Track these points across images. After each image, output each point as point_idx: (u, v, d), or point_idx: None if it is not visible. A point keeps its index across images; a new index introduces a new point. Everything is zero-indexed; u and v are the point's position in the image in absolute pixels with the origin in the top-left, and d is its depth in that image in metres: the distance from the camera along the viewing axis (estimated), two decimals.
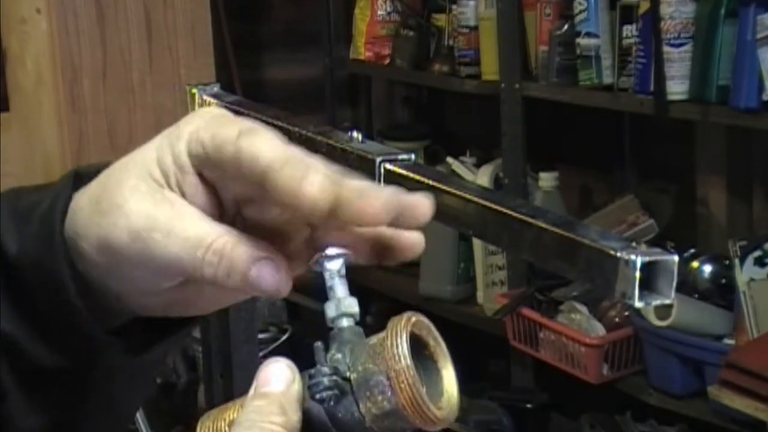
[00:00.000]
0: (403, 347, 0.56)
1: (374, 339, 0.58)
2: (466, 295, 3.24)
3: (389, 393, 0.56)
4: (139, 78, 2.89)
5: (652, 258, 0.61)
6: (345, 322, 0.60)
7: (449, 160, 3.26)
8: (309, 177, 0.58)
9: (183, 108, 1.29)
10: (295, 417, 0.56)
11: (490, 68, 3.06)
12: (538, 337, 2.86)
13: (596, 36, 2.76)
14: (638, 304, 0.60)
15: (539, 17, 2.95)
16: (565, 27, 2.85)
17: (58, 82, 2.79)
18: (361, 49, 3.51)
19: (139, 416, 2.41)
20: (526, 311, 2.89)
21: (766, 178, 2.85)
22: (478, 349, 3.31)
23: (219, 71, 3.06)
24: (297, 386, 0.57)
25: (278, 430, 0.56)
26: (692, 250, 2.65)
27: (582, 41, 2.78)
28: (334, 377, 0.57)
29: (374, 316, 3.46)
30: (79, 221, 0.64)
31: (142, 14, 2.88)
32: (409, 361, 0.55)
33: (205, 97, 1.24)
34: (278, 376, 0.57)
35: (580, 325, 2.77)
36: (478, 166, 3.21)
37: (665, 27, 2.55)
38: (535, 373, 3.05)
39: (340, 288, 0.61)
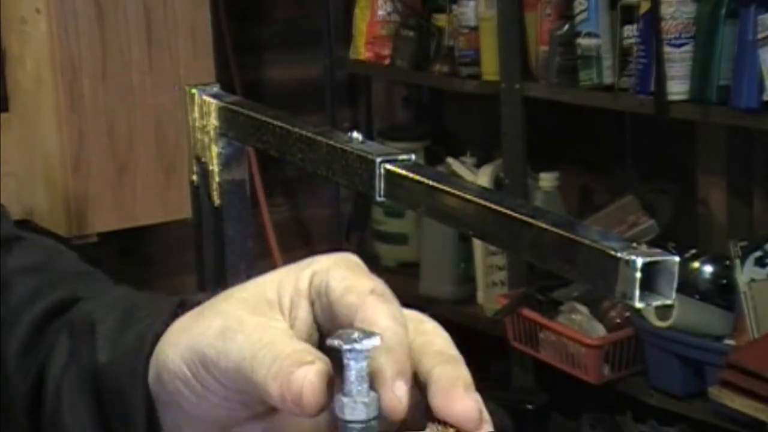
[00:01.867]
0: None
1: None
2: (466, 296, 3.24)
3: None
4: (139, 78, 2.88)
5: (653, 258, 0.61)
6: None
7: (449, 160, 3.26)
8: (396, 384, 0.57)
9: (183, 108, 1.29)
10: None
11: (490, 68, 3.06)
12: (539, 337, 2.86)
13: (597, 36, 2.76)
14: (639, 304, 0.60)
15: (539, 17, 2.95)
16: (566, 27, 2.85)
17: (58, 82, 2.79)
18: (361, 49, 3.51)
19: None
20: (527, 312, 2.89)
21: (766, 178, 2.85)
22: (478, 349, 3.31)
23: (219, 71, 3.06)
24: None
25: None
26: (693, 251, 2.65)
27: (582, 41, 2.78)
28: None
29: None
30: (175, 330, 0.63)
31: (142, 14, 2.88)
32: None
33: (205, 97, 1.24)
34: None
35: (581, 325, 2.77)
36: (478, 166, 3.21)
37: (666, 27, 2.55)
38: (536, 374, 3.05)
39: None
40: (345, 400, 0.56)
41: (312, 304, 0.61)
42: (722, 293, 2.57)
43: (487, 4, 3.05)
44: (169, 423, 0.64)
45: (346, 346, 0.55)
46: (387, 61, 3.47)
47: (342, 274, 0.60)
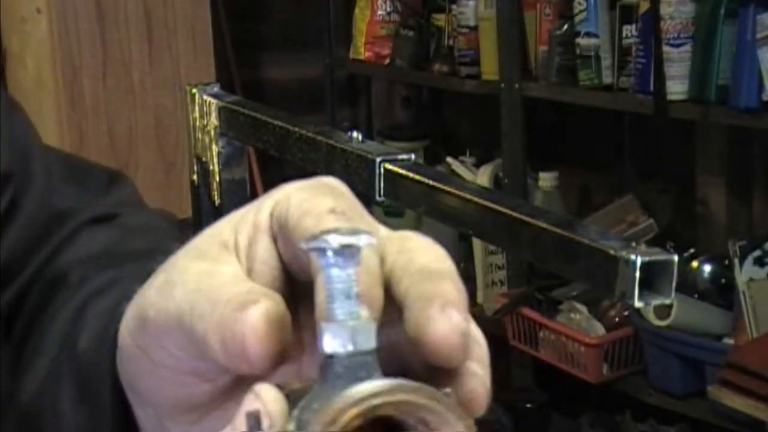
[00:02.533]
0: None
1: None
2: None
3: None
4: (139, 78, 2.89)
5: (652, 258, 0.61)
6: None
7: (449, 160, 3.26)
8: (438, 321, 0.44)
9: (183, 108, 1.29)
10: None
11: (489, 68, 3.06)
12: (538, 336, 2.86)
13: (596, 36, 2.76)
14: (638, 303, 0.60)
15: (539, 17, 2.95)
16: (565, 27, 2.85)
17: (58, 82, 2.80)
18: (361, 49, 3.51)
19: None
20: (526, 311, 2.89)
21: (766, 178, 2.85)
22: None
23: (219, 71, 3.06)
24: None
25: None
26: (692, 250, 2.66)
27: (582, 41, 2.78)
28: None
29: None
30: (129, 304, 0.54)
31: (142, 14, 2.88)
32: None
33: (205, 97, 1.24)
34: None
35: (580, 324, 2.77)
36: (478, 166, 3.21)
37: (665, 27, 2.56)
38: (535, 373, 3.05)
39: None
40: (324, 325, 0.42)
41: (274, 239, 0.49)
42: (721, 293, 2.57)
43: (486, 4, 3.06)
44: (143, 420, 0.56)
45: (316, 244, 0.42)
46: (387, 61, 3.47)
47: (303, 197, 0.48)
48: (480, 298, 3.19)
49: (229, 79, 3.37)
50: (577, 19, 2.79)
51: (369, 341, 0.42)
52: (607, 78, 2.76)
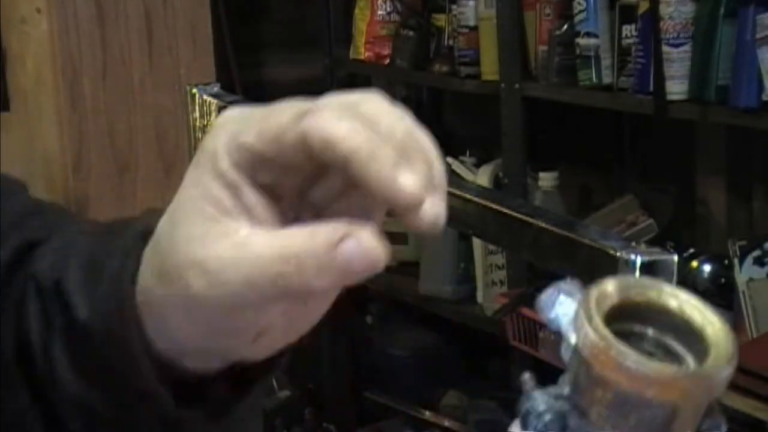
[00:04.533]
0: (586, 316, 0.47)
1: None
2: (466, 295, 3.24)
3: (599, 377, 0.46)
4: (139, 78, 2.89)
5: (651, 257, 0.61)
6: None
7: (449, 160, 3.26)
8: (402, 177, 0.53)
9: (183, 108, 1.29)
10: None
11: (490, 68, 3.06)
12: (538, 336, 2.86)
13: (596, 36, 2.76)
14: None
15: (539, 17, 2.95)
16: (565, 27, 2.85)
17: (58, 82, 2.80)
18: (361, 49, 3.51)
19: None
20: (526, 311, 2.89)
21: (766, 178, 2.85)
22: (478, 349, 3.31)
23: (219, 71, 3.06)
24: None
25: None
26: (692, 250, 2.65)
27: (582, 41, 2.78)
28: (544, 400, 0.49)
29: (374, 316, 3.46)
30: (154, 295, 0.59)
31: (142, 14, 2.88)
32: (595, 325, 0.46)
33: (205, 97, 1.24)
34: None
35: None
36: (478, 166, 3.21)
37: (665, 27, 2.56)
38: (536, 373, 3.05)
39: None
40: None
41: (251, 178, 0.56)
42: (721, 292, 2.57)
43: (486, 4, 3.06)
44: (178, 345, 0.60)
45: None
46: (387, 61, 3.47)
47: (255, 132, 0.56)
48: (480, 298, 3.19)
49: (229, 79, 3.37)
50: (577, 19, 2.79)
51: None
52: (607, 78, 2.76)
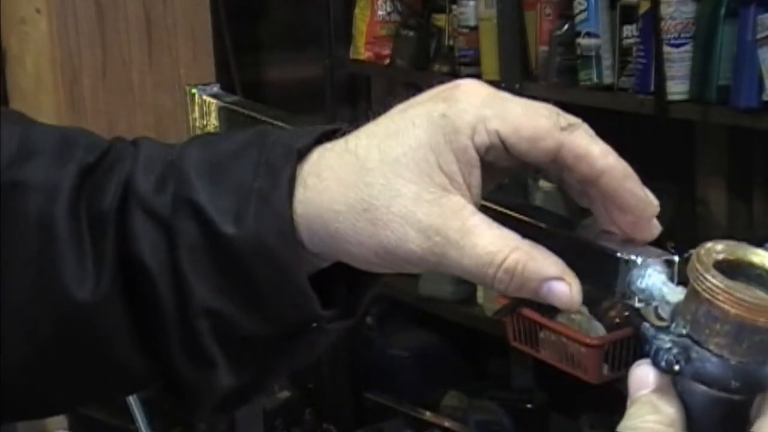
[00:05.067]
0: (703, 268, 0.57)
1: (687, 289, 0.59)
2: (466, 295, 3.24)
3: (718, 313, 0.55)
4: (139, 78, 2.89)
5: (652, 257, 0.61)
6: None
7: None
8: (650, 200, 0.65)
9: (183, 108, 1.29)
10: (670, 410, 0.57)
11: (490, 68, 3.06)
12: (539, 337, 2.86)
13: (596, 36, 2.76)
14: (637, 304, 0.61)
15: (539, 17, 2.95)
16: (565, 27, 2.85)
17: (58, 82, 2.80)
18: (361, 49, 3.51)
19: (139, 416, 2.41)
20: (526, 311, 2.89)
21: (766, 178, 2.85)
22: (478, 349, 3.31)
23: (219, 71, 3.06)
24: (665, 380, 0.57)
25: (656, 428, 0.56)
26: (692, 251, 2.65)
27: (582, 41, 2.78)
28: (669, 339, 0.57)
29: (374, 316, 3.46)
30: (341, 226, 0.62)
31: (142, 14, 2.88)
32: (713, 273, 0.56)
33: (205, 97, 1.24)
34: (642, 379, 0.59)
35: (580, 325, 2.77)
36: None
37: (665, 27, 2.55)
38: (535, 373, 3.05)
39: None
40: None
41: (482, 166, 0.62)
42: None
43: (486, 4, 3.05)
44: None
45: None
46: (387, 61, 3.47)
47: (514, 126, 0.61)
48: (480, 299, 3.19)
49: (229, 79, 3.36)
50: (577, 19, 2.79)
51: None
52: (608, 78, 2.76)
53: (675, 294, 0.59)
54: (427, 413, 3.16)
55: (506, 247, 0.61)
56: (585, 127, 0.66)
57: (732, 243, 0.59)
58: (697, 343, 0.56)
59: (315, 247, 0.64)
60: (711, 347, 0.56)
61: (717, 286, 0.55)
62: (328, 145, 0.65)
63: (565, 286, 0.61)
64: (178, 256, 0.65)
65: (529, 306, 2.91)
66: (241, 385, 0.68)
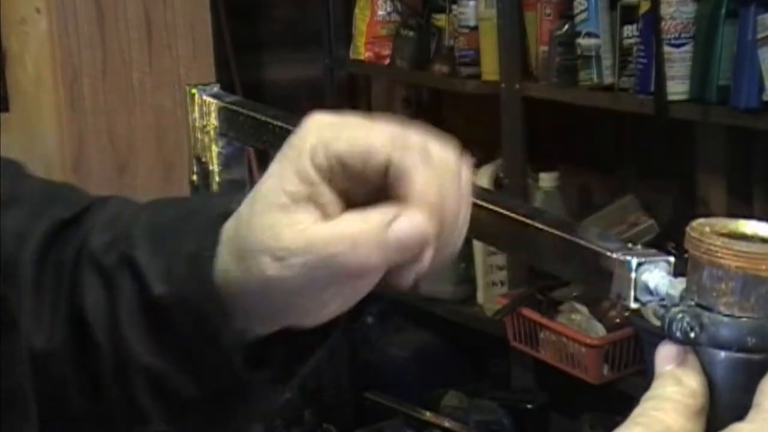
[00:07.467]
0: (698, 234, 0.58)
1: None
2: (466, 295, 3.24)
3: (720, 271, 0.56)
4: (139, 78, 2.89)
5: (647, 259, 0.61)
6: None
7: None
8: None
9: (183, 108, 1.29)
10: (692, 382, 0.57)
11: (490, 68, 3.06)
12: (539, 337, 2.86)
13: (596, 36, 2.76)
14: (633, 305, 0.61)
15: (539, 17, 2.95)
16: (566, 27, 2.85)
17: (58, 82, 2.80)
18: (361, 49, 3.51)
19: None
20: (527, 311, 2.89)
21: (766, 178, 2.85)
22: (478, 349, 3.31)
23: (219, 71, 3.06)
24: (689, 356, 0.58)
25: (676, 398, 0.57)
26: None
27: (582, 41, 2.78)
28: (679, 309, 0.57)
29: (374, 316, 3.46)
30: (234, 275, 0.65)
31: (142, 14, 2.88)
32: (708, 235, 0.58)
33: (205, 97, 1.24)
34: (666, 355, 0.58)
35: (581, 325, 2.77)
36: (478, 166, 3.20)
37: (666, 27, 2.55)
38: (536, 374, 3.05)
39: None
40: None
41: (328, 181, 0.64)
42: None
43: (486, 4, 3.05)
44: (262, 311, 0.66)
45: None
46: (387, 61, 3.47)
47: (349, 144, 0.63)
48: (480, 299, 3.19)
49: (229, 79, 3.36)
50: (577, 19, 2.79)
51: None
52: (608, 78, 2.76)
53: (676, 286, 0.60)
54: (427, 413, 3.16)
55: (348, 229, 0.63)
56: (431, 150, 0.69)
57: (722, 219, 0.61)
58: (706, 308, 0.57)
59: (252, 309, 0.66)
60: (721, 308, 0.56)
61: (714, 244, 0.57)
62: None
63: (405, 220, 0.62)
64: (118, 313, 0.69)
65: (530, 306, 2.91)
66: None
